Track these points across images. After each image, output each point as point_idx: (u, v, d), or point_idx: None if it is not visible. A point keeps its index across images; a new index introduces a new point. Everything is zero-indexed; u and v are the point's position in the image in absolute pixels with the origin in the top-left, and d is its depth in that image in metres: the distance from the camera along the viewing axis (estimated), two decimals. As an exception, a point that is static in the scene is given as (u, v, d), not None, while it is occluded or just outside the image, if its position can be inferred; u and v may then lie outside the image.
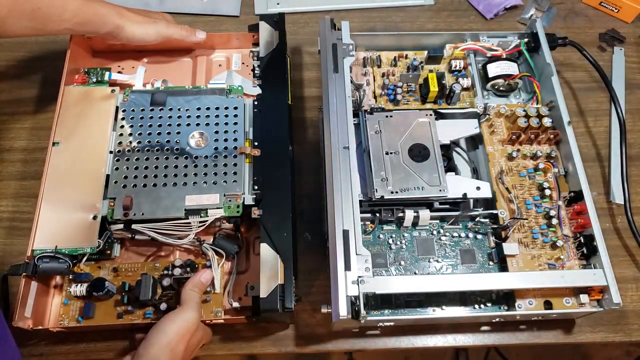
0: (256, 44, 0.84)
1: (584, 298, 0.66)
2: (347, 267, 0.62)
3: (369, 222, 0.71)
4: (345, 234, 0.64)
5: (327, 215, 0.68)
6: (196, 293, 0.64)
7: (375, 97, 0.81)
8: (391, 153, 0.73)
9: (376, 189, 0.70)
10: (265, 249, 0.64)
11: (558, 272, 0.65)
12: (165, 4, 0.98)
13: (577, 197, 0.71)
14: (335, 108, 0.72)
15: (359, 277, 0.62)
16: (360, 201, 0.68)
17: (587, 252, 0.68)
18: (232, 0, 0.99)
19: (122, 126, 0.73)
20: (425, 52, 0.84)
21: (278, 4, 0.99)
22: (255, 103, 0.77)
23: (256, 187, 0.70)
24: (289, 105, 0.76)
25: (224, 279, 0.69)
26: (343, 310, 0.59)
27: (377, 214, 0.70)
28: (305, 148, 0.84)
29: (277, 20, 0.81)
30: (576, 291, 0.67)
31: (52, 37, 0.93)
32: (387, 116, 0.76)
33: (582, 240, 0.68)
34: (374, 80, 0.82)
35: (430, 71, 0.82)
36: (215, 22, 0.97)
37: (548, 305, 0.67)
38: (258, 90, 0.78)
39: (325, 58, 0.77)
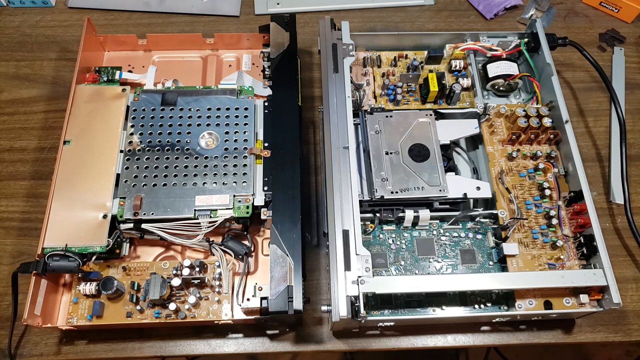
0: (267, 45, 0.84)
1: (584, 298, 0.66)
2: (347, 267, 0.62)
3: (369, 222, 0.71)
4: (345, 234, 0.64)
5: (327, 215, 0.68)
6: None
7: (375, 97, 0.81)
8: (391, 153, 0.73)
9: (376, 189, 0.70)
10: (274, 251, 0.64)
11: (558, 272, 0.65)
12: (165, 3, 0.98)
13: (577, 197, 0.71)
14: (335, 108, 0.72)
15: (359, 277, 0.62)
16: (360, 201, 0.68)
17: (587, 252, 0.68)
18: (232, 0, 0.98)
19: (133, 125, 0.73)
20: (425, 52, 0.84)
21: (278, 4, 0.99)
22: (266, 104, 0.77)
23: (266, 188, 0.70)
24: (299, 106, 0.76)
25: (232, 279, 0.69)
26: (343, 310, 0.59)
27: (377, 214, 0.70)
28: (305, 148, 0.83)
29: (288, 22, 0.81)
30: (576, 291, 0.67)
31: (51, 38, 0.93)
32: (387, 116, 0.76)
33: (582, 240, 0.68)
34: (374, 80, 0.82)
35: (430, 71, 0.82)
36: (215, 22, 0.97)
37: (548, 305, 0.67)
38: (268, 91, 0.78)
39: (325, 58, 0.77)
